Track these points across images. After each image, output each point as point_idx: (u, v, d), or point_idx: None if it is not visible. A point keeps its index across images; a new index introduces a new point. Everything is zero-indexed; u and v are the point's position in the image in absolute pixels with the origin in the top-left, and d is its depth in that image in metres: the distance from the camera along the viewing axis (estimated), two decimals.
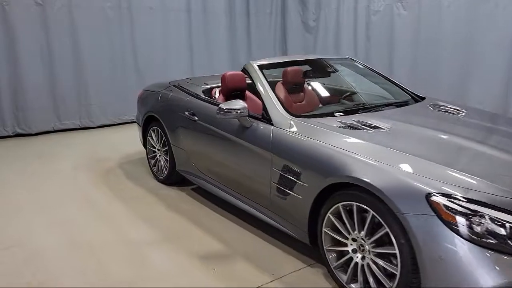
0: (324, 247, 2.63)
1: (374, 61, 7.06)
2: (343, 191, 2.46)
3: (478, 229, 1.98)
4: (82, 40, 6.93)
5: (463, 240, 1.97)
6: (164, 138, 4.34)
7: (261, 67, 3.53)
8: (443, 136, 2.73)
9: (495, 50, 5.54)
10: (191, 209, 3.91)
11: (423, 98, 3.70)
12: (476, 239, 1.96)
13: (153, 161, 4.68)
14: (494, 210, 2.01)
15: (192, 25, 8.04)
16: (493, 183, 2.15)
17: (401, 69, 6.67)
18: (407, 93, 3.79)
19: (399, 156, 2.38)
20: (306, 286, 2.72)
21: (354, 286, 2.48)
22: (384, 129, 2.76)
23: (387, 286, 2.28)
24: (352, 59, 4.18)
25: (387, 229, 2.21)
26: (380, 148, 2.46)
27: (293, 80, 4.33)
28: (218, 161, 3.55)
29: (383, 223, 2.22)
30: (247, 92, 4.30)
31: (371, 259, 2.36)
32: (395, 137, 2.70)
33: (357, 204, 2.35)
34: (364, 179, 2.27)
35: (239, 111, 3.10)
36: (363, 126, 2.80)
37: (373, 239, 2.33)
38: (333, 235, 2.57)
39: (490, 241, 1.96)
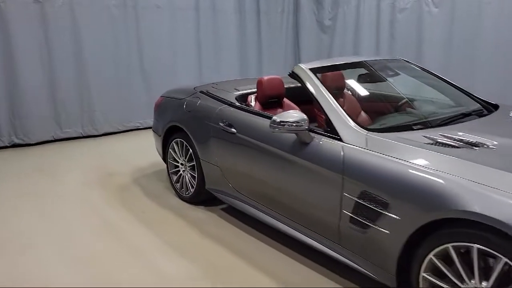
0: None
1: None
2: (454, 228, 1.95)
3: None
4: (85, 41, 6.35)
5: None
6: (190, 151, 3.80)
7: (314, 71, 3.01)
8: None
9: None
10: (228, 235, 3.38)
11: (494, 105, 3.22)
12: None
13: (175, 177, 4.14)
14: None
15: (200, 25, 7.51)
16: None
17: None
18: (474, 99, 3.31)
19: None
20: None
21: None
22: (490, 146, 2.25)
23: None
24: (406, 61, 3.68)
25: None
26: (503, 174, 1.94)
27: (334, 85, 3.86)
28: (264, 181, 3.03)
29: None
30: (285, 99, 3.80)
31: None
32: (509, 156, 2.18)
33: (480, 247, 1.84)
34: (495, 217, 1.76)
35: (297, 124, 2.59)
36: (461, 143, 2.29)
37: None
38: (437, 282, 2.06)
39: None
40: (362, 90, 3.45)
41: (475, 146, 2.25)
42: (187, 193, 3.98)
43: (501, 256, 1.78)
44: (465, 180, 1.94)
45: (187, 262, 2.98)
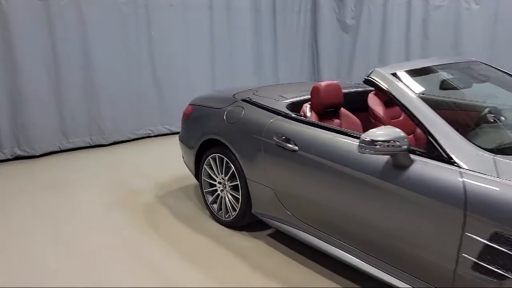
0: None
1: None
2: None
3: None
4: (92, 42, 5.80)
5: None
6: (232, 169, 3.29)
7: (397, 77, 2.51)
8: None
9: None
10: (283, 268, 2.87)
11: None
12: None
13: (211, 197, 3.63)
14: None
15: (214, 24, 6.98)
16: None
17: None
18: None
19: None
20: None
21: None
22: None
23: None
24: (483, 63, 3.19)
25: None
26: None
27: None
28: (337, 209, 2.51)
29: None
30: (342, 109, 3.30)
31: None
32: None
33: None
34: None
35: (395, 144, 2.08)
36: None
37: None
38: None
39: None
40: (454, 99, 2.91)
41: None
42: (226, 216, 3.46)
43: None
44: None
45: None
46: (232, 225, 3.45)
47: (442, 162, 2.06)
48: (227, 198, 3.44)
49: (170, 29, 6.50)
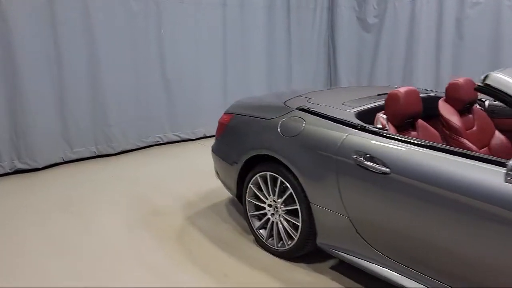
0: None
1: (467, 66, 5.71)
2: None
3: None
4: (99, 41, 5.22)
5: None
6: (290, 191, 2.77)
7: None
8: None
9: None
10: None
11: None
12: None
13: (258, 223, 3.11)
14: None
15: (227, 22, 6.46)
16: None
17: None
18: None
19: None
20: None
21: None
22: None
23: None
24: None
25: None
26: None
27: (465, 97, 2.98)
28: (444, 247, 2.02)
29: None
30: (420, 121, 2.82)
31: None
32: None
33: None
34: None
35: None
36: None
37: None
38: None
39: None
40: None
41: None
42: (280, 245, 2.95)
43: None
44: None
45: None
46: (287, 256, 2.94)
47: None
48: (280, 225, 2.93)
49: (181, 27, 5.95)
